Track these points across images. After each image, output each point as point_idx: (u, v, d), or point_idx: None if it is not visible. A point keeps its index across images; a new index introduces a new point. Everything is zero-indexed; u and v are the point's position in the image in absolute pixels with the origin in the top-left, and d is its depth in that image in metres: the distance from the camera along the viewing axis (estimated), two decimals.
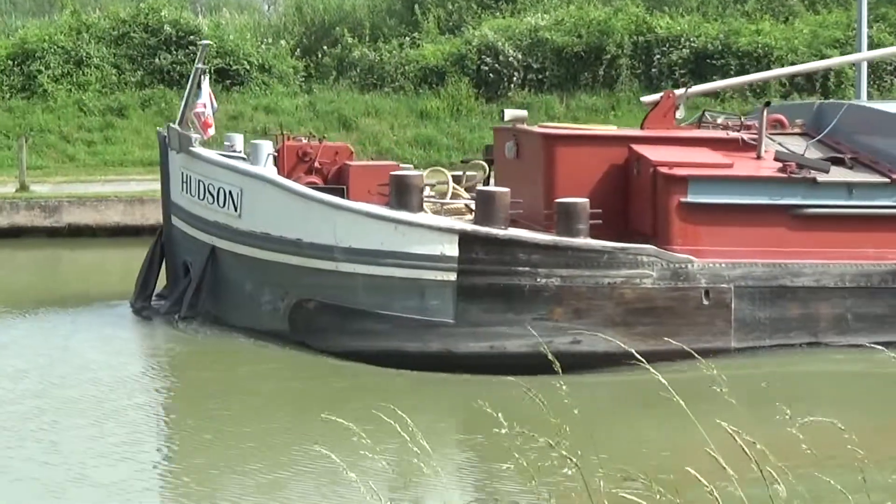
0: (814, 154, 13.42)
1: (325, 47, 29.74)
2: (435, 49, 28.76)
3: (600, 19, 28.49)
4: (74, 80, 27.15)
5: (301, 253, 12.50)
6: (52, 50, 27.15)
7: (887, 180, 12.77)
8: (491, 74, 27.78)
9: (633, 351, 5.64)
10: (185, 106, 14.14)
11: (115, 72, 27.52)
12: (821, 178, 12.63)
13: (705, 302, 12.12)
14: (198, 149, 13.51)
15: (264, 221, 12.78)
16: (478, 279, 11.93)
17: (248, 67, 28.06)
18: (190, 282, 13.66)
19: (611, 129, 14.27)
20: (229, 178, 13.09)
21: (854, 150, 13.48)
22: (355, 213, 12.21)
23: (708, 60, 27.78)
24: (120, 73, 27.59)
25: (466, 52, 28.15)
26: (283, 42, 29.41)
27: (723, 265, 12.17)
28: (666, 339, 12.12)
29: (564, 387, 5.30)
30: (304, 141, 14.42)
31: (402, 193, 12.27)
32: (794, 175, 12.58)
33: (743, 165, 12.79)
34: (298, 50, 29.66)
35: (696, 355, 12.25)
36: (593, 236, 12.34)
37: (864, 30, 20.08)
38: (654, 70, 28.20)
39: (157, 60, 27.60)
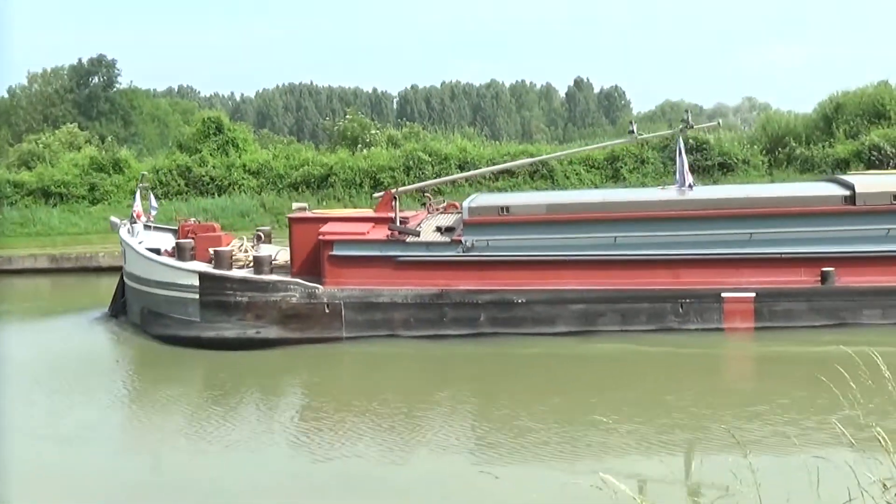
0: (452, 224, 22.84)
1: None
2: None
3: None
4: None
5: None
6: None
7: (447, 240, 22.00)
8: None
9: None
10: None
11: None
12: (409, 239, 22.07)
13: (327, 311, 21.99)
14: (121, 231, 25.24)
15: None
16: None
17: None
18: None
19: (341, 213, 24.28)
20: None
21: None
22: None
23: None
24: None
25: None
26: None
27: (337, 290, 22.01)
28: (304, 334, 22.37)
29: None
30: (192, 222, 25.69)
31: None
32: (390, 238, 22.13)
33: (373, 233, 22.45)
34: None
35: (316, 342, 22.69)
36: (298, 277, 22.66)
37: None
38: None
39: None
